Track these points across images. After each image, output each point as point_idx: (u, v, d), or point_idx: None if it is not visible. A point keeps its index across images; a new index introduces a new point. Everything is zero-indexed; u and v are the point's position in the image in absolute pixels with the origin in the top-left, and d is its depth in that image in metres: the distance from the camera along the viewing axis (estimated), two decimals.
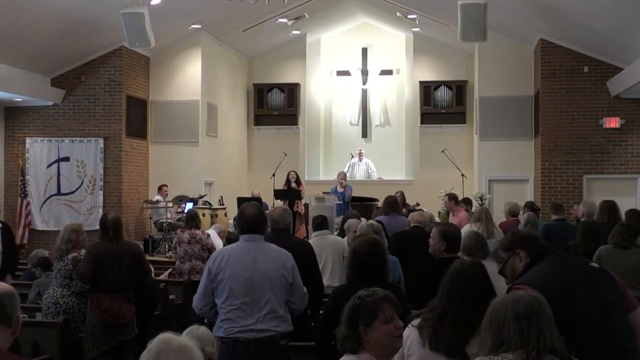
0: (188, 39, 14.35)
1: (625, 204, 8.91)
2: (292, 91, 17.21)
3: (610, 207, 7.25)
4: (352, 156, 16.89)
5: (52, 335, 5.60)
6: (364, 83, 17.56)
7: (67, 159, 13.44)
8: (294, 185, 13.84)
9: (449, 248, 4.89)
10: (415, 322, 3.24)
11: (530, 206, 9.84)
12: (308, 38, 17.13)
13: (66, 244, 6.05)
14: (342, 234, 7.65)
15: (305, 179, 16.15)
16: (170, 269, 8.64)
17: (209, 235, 8.51)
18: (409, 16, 14.91)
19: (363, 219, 7.14)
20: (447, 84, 16.52)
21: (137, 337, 5.91)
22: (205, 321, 4.52)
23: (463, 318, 3.12)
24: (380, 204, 11.01)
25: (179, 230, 8.89)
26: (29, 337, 5.45)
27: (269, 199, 14.01)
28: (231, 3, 11.62)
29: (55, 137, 13.44)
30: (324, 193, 12.64)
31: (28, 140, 13.49)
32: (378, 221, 7.05)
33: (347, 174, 14.01)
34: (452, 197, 10.08)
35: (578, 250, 6.17)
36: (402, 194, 13.25)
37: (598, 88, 12.87)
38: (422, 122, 16.66)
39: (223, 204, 14.05)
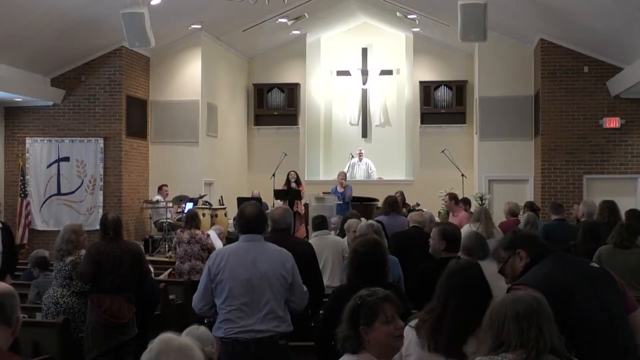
0: (188, 39, 14.36)
1: (625, 204, 8.91)
2: (292, 91, 17.22)
3: (610, 207, 7.26)
4: (352, 156, 16.90)
5: (52, 335, 5.60)
6: (364, 83, 17.56)
7: (67, 159, 13.44)
8: (294, 185, 13.84)
9: (448, 248, 4.90)
10: (413, 322, 3.24)
11: (530, 206, 9.84)
12: (308, 38, 17.14)
13: (67, 244, 6.05)
14: (342, 234, 7.66)
15: (305, 179, 16.15)
16: (170, 269, 8.64)
17: (208, 235, 8.51)
18: (409, 16, 14.91)
19: (363, 219, 7.13)
20: (447, 84, 16.53)
21: (137, 337, 5.91)
22: (205, 321, 4.52)
23: (461, 317, 3.12)
24: (380, 204, 11.01)
25: (178, 230, 8.89)
26: (29, 337, 5.45)
27: (269, 199, 14.01)
28: (231, 3, 11.62)
29: (55, 137, 13.44)
30: (324, 193, 12.65)
31: (28, 140, 13.49)
32: (378, 221, 7.06)
33: (347, 174, 14.01)
34: (452, 197, 10.07)
35: (579, 250, 6.17)
36: (402, 194, 13.25)
37: (598, 88, 12.88)
38: (422, 122, 16.67)
39: (223, 204, 14.05)
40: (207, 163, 14.77)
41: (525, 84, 14.12)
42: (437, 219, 9.85)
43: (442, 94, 16.56)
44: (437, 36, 16.05)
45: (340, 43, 17.72)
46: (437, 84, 16.57)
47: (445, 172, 15.06)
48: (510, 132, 14.13)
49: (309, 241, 6.81)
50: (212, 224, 12.10)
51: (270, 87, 17.25)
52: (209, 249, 8.08)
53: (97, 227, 7.53)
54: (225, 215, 13.40)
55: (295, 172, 14.25)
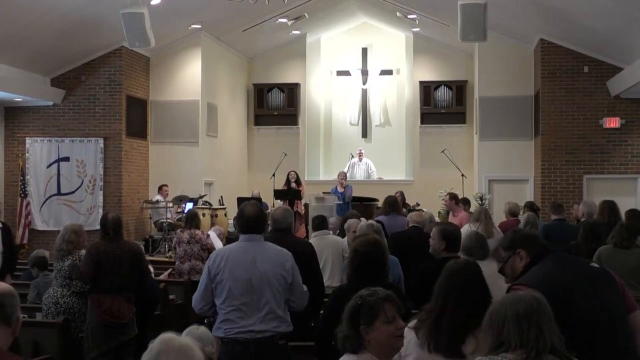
0: (188, 39, 14.36)
1: (625, 204, 8.91)
2: (292, 91, 17.22)
3: (610, 207, 7.26)
4: (352, 156, 16.90)
5: (52, 335, 5.60)
6: (364, 83, 17.56)
7: (67, 159, 13.44)
8: (293, 185, 13.84)
9: (448, 247, 4.90)
10: (412, 323, 3.24)
11: (530, 206, 9.84)
12: (308, 38, 17.14)
13: (67, 244, 6.05)
14: (341, 234, 7.65)
15: (305, 179, 16.16)
16: (170, 269, 8.64)
17: (208, 235, 8.51)
18: (409, 16, 14.91)
19: (363, 219, 7.13)
20: (447, 84, 16.53)
21: (137, 337, 5.91)
22: (205, 321, 4.52)
23: (460, 317, 3.12)
24: (380, 204, 11.01)
25: (178, 230, 8.89)
26: (29, 337, 5.45)
27: (269, 199, 14.01)
28: (231, 3, 11.62)
29: (55, 137, 13.44)
30: (324, 193, 12.65)
31: (28, 140, 13.49)
32: (378, 221, 7.06)
33: (347, 174, 14.01)
34: (453, 197, 10.07)
35: (580, 250, 6.16)
36: (402, 194, 13.25)
37: (598, 88, 12.88)
38: (422, 122, 16.67)
39: (223, 204, 14.05)
40: (207, 163, 14.77)
41: (525, 84, 14.12)
42: (437, 219, 9.85)
43: (442, 94, 16.56)
44: (437, 36, 16.05)
45: (340, 43, 17.72)
46: (437, 84, 16.57)
47: (445, 172, 15.06)
48: (510, 132, 14.13)
49: (309, 241, 6.81)
50: (212, 224, 12.11)
51: (270, 87, 17.25)
52: (209, 249, 8.08)
53: (97, 227, 7.55)
54: (225, 215, 13.40)
55: (295, 172, 14.25)
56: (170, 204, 13.05)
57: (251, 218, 4.22)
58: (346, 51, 17.62)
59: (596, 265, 3.50)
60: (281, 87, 17.22)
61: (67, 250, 6.05)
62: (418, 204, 13.57)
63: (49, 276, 6.87)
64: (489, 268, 3.89)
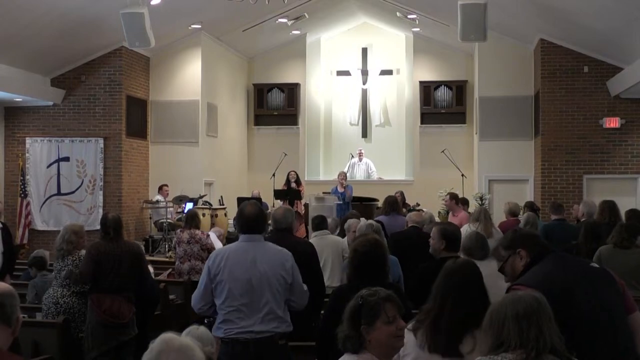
0: (188, 39, 14.36)
1: (625, 204, 8.91)
2: (292, 91, 17.22)
3: (610, 207, 7.27)
4: (352, 156, 16.90)
5: (52, 335, 5.60)
6: (364, 83, 17.57)
7: (67, 159, 13.44)
8: (293, 185, 13.85)
9: (448, 247, 4.90)
10: (410, 325, 3.24)
11: (530, 206, 9.83)
12: (308, 38, 17.14)
13: (67, 244, 6.04)
14: (341, 234, 7.65)
15: (305, 179, 16.16)
16: (170, 269, 8.64)
17: (208, 235, 8.51)
18: (409, 16, 14.91)
19: (362, 219, 7.13)
20: (447, 84, 16.53)
21: (137, 337, 5.91)
22: (205, 321, 4.52)
23: (457, 317, 3.12)
24: (380, 204, 11.00)
25: (178, 230, 8.89)
26: (29, 337, 5.45)
27: (269, 199, 14.01)
28: (231, 3, 11.62)
29: (55, 137, 13.44)
30: (324, 193, 12.64)
31: (28, 140, 13.49)
32: (378, 221, 7.05)
33: (347, 174, 14.01)
34: (453, 197, 10.06)
35: (581, 250, 6.17)
36: (402, 194, 13.25)
37: (598, 88, 12.88)
38: (422, 122, 16.67)
39: (223, 204, 14.05)
40: (207, 163, 14.77)
41: (525, 84, 14.12)
42: (437, 219, 9.85)
43: (442, 94, 16.57)
44: (437, 36, 16.05)
45: (340, 43, 17.73)
46: (437, 84, 16.58)
47: (445, 172, 15.06)
48: (510, 132, 14.13)
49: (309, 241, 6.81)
50: (212, 224, 12.12)
51: (270, 87, 17.25)
52: (209, 249, 8.08)
53: (97, 227, 7.55)
54: (225, 215, 13.39)
55: (295, 172, 14.26)
56: (171, 204, 13.05)
57: (251, 218, 4.22)
58: (346, 51, 17.62)
59: (596, 265, 3.49)
60: (281, 87, 17.22)
61: (67, 250, 6.05)
62: (418, 204, 13.57)
63: (47, 276, 6.87)
64: (488, 268, 3.89)
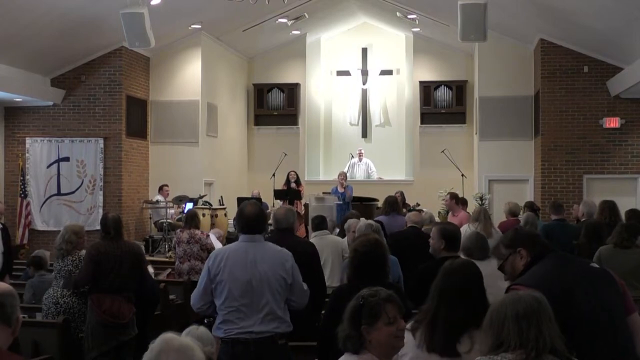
0: (188, 39, 14.36)
1: (625, 204, 8.91)
2: (292, 91, 17.22)
3: (610, 207, 7.28)
4: (352, 156, 16.90)
5: (52, 335, 5.60)
6: (364, 83, 17.57)
7: (67, 159, 13.44)
8: (293, 185, 13.85)
9: (448, 247, 4.90)
10: (409, 325, 3.24)
11: (530, 206, 9.83)
12: (308, 38, 17.14)
13: (67, 244, 6.04)
14: (341, 234, 7.65)
15: (305, 179, 16.16)
16: (170, 269, 8.64)
17: (208, 235, 8.51)
18: (409, 16, 14.91)
19: (362, 219, 7.13)
20: (447, 84, 16.53)
21: (137, 337, 5.91)
22: (205, 321, 4.52)
23: (456, 316, 3.12)
24: (380, 204, 11.00)
25: (178, 230, 8.89)
26: (29, 337, 5.45)
27: (269, 199, 14.02)
28: (231, 3, 11.62)
29: (55, 137, 13.44)
30: (324, 193, 12.64)
31: (28, 140, 13.49)
32: (378, 221, 7.05)
33: (347, 174, 14.01)
34: (453, 197, 10.05)
35: (582, 250, 6.17)
36: (402, 194, 13.25)
37: (598, 88, 12.88)
38: (422, 122, 16.68)
39: (223, 204, 14.05)
40: (207, 163, 14.77)
41: (525, 84, 14.12)
42: (437, 219, 9.85)
43: (442, 94, 16.57)
44: (437, 36, 16.05)
45: (340, 43, 17.73)
46: (437, 84, 16.58)
47: (445, 172, 15.07)
48: (510, 132, 14.14)
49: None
50: (212, 224, 12.12)
51: (270, 87, 17.25)
52: (209, 249, 8.08)
53: (97, 227, 7.56)
54: (225, 215, 13.39)
55: (295, 172, 14.26)
56: (171, 204, 13.05)
57: (251, 218, 4.22)
58: (346, 51, 17.62)
59: (596, 265, 3.49)
60: (281, 87, 17.22)
61: (67, 250, 6.05)
62: (418, 204, 13.57)
63: (45, 276, 6.87)
64: (488, 268, 3.90)
